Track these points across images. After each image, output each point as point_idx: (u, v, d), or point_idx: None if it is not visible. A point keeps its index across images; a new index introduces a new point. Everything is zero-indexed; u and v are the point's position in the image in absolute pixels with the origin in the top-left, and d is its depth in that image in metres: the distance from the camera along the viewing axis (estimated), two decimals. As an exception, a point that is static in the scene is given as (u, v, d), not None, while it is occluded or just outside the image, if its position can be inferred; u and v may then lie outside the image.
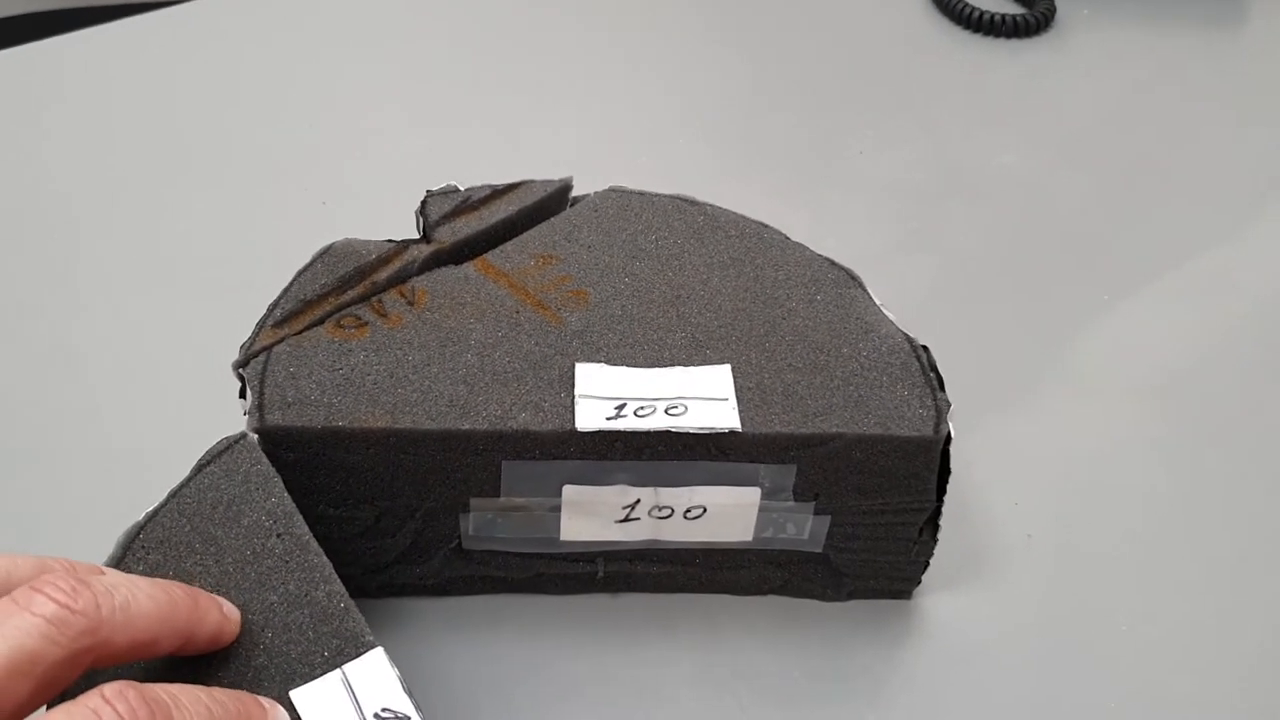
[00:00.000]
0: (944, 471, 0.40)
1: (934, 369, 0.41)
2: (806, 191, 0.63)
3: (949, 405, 0.40)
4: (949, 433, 0.39)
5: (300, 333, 0.41)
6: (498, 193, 0.46)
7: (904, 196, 0.62)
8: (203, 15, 0.73)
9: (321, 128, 0.65)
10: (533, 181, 0.47)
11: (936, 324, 0.53)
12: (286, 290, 0.42)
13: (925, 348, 0.42)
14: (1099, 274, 0.58)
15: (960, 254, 0.59)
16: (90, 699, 0.28)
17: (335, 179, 0.62)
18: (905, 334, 0.42)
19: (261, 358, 0.40)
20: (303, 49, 0.71)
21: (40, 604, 0.28)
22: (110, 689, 0.28)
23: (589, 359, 0.40)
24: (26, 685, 0.28)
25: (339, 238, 0.44)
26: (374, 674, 0.32)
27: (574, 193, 0.47)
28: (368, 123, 0.66)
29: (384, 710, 0.32)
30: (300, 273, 0.43)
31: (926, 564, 0.42)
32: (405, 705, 0.32)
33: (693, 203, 0.47)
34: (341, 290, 0.42)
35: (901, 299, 0.54)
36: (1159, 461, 0.49)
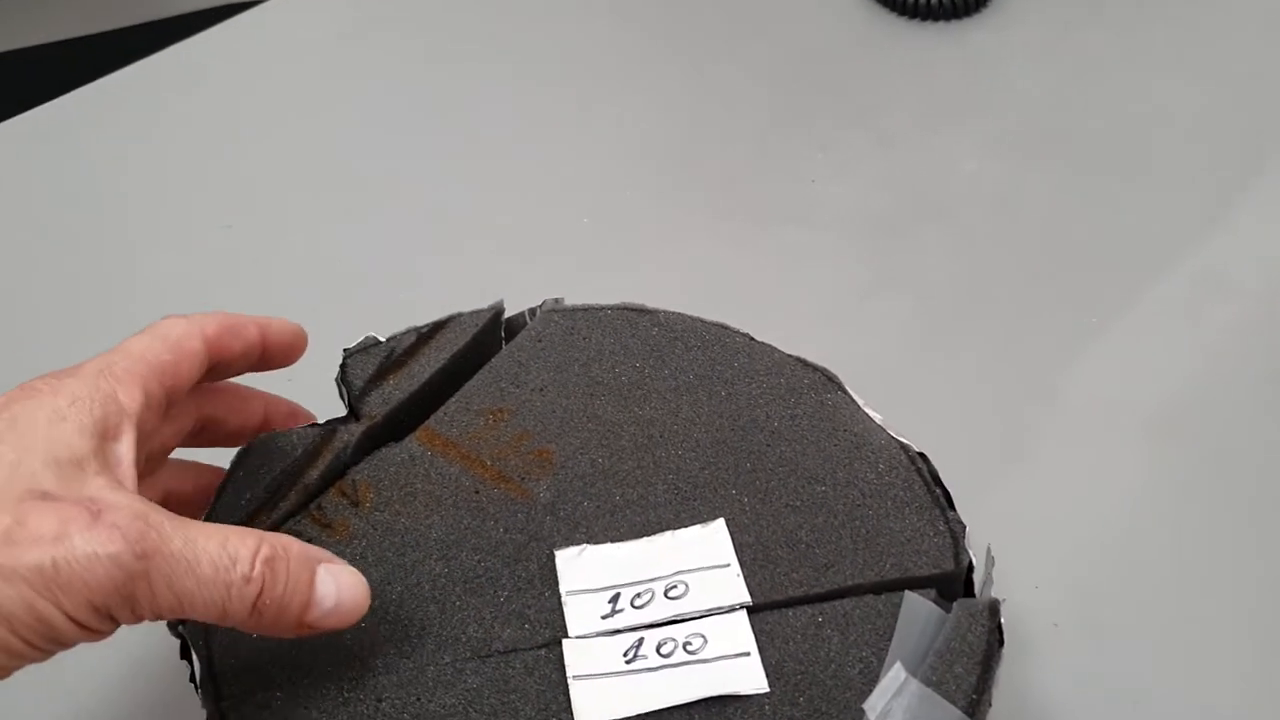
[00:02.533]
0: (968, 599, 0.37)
1: (938, 483, 0.38)
2: (762, 233, 0.58)
3: (964, 528, 0.36)
4: (970, 560, 0.36)
5: None
6: (424, 338, 0.42)
7: (865, 228, 0.58)
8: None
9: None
10: (460, 316, 0.43)
11: (916, 374, 0.50)
12: (211, 513, 0.38)
13: (923, 456, 0.38)
14: (1083, 290, 0.54)
15: (933, 288, 0.55)
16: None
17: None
18: (899, 442, 0.39)
19: None
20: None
21: None
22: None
23: (567, 539, 0.36)
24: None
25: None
26: None
27: (512, 297, 0.43)
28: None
29: None
30: (221, 489, 0.38)
31: None
32: None
33: (643, 311, 0.43)
34: (273, 503, 0.38)
35: (877, 349, 0.51)
36: (1179, 509, 0.45)
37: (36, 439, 0.30)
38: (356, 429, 0.39)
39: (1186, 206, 0.57)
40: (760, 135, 0.63)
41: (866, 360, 0.48)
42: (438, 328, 0.42)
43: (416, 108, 0.66)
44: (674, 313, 0.43)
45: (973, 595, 0.36)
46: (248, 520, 0.37)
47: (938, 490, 0.37)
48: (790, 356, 0.41)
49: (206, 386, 0.38)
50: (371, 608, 0.35)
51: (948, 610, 0.34)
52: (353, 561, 0.36)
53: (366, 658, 0.34)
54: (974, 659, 0.32)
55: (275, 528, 0.37)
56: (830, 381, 0.40)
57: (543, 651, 0.34)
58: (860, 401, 0.40)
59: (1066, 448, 0.47)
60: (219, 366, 0.37)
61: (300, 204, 0.61)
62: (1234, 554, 0.43)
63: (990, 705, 0.32)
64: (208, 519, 0.37)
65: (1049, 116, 0.63)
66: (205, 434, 0.39)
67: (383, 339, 0.41)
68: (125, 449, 0.32)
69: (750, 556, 0.35)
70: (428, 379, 0.41)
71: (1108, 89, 0.64)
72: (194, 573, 0.29)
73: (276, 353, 0.38)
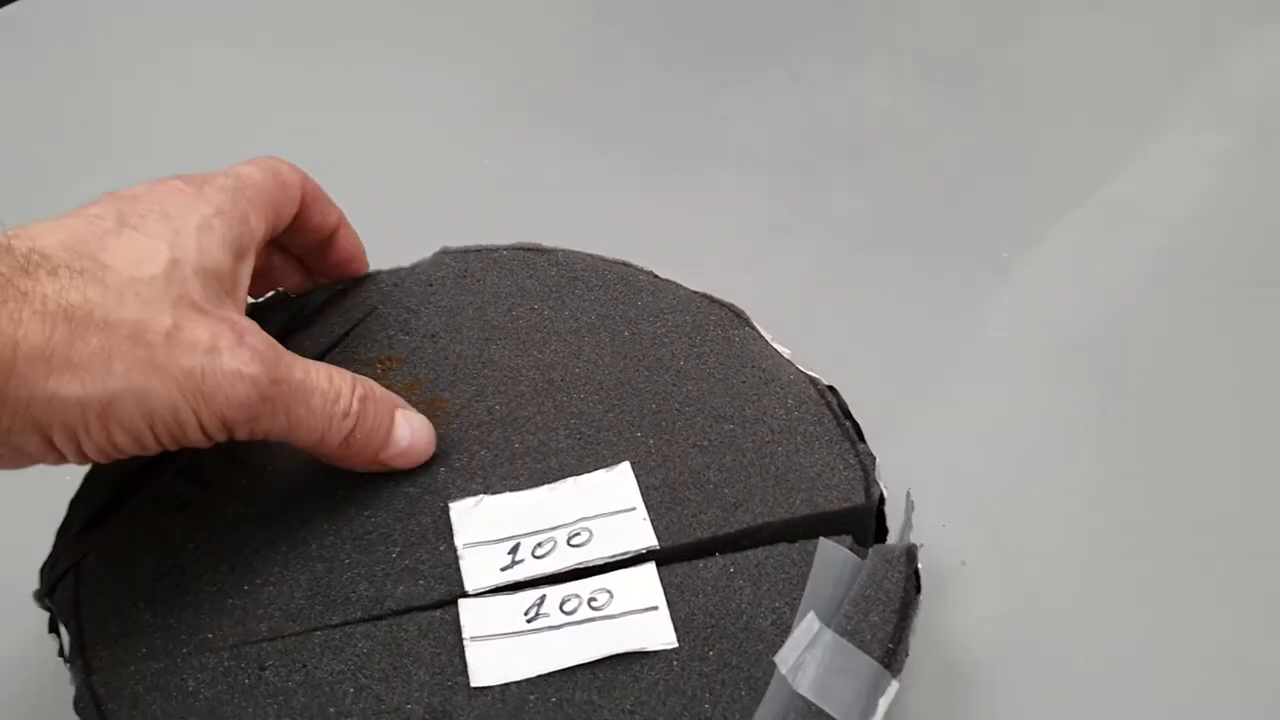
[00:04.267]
0: (880, 532, 0.35)
1: (848, 416, 0.36)
2: (672, 173, 0.55)
3: (874, 460, 0.35)
4: (881, 493, 0.34)
5: (112, 536, 0.33)
6: (336, 296, 0.39)
7: (777, 164, 0.56)
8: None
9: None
10: (378, 274, 0.40)
11: (828, 311, 0.49)
12: (86, 482, 0.35)
13: (833, 389, 0.37)
14: (997, 225, 0.52)
15: (845, 224, 0.53)
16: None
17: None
18: (808, 376, 0.37)
19: (70, 580, 0.33)
20: None
21: None
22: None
23: (463, 490, 0.34)
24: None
25: None
26: None
27: (415, 246, 0.40)
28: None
29: None
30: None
31: None
32: None
33: (540, 251, 0.41)
34: (156, 467, 0.35)
35: (789, 286, 0.49)
36: (1088, 442, 0.44)
37: (189, 243, 0.31)
38: None
39: (1101, 139, 0.56)
40: (670, 71, 0.61)
41: (778, 297, 0.47)
42: (351, 286, 0.39)
43: (303, 55, 0.63)
44: (573, 251, 0.41)
45: (884, 529, 0.35)
46: (133, 482, 0.34)
47: (847, 423, 0.35)
48: (696, 293, 0.39)
49: None
50: (252, 568, 0.32)
51: (863, 557, 0.33)
52: (230, 524, 0.34)
53: (250, 623, 0.32)
54: (890, 607, 0.31)
55: (157, 490, 0.34)
56: (737, 317, 0.39)
57: (438, 612, 0.32)
58: (768, 337, 0.38)
59: (976, 384, 0.46)
60: (291, 232, 0.37)
61: (187, 154, 0.56)
62: (1144, 487, 0.42)
63: (908, 654, 0.30)
64: (90, 471, 0.35)
65: (963, 50, 0.61)
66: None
67: (290, 294, 0.39)
68: (247, 274, 0.33)
69: (657, 499, 0.34)
70: (335, 339, 0.38)
71: (1023, 22, 0.63)
72: (307, 403, 0.31)
73: (341, 252, 0.39)
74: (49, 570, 0.33)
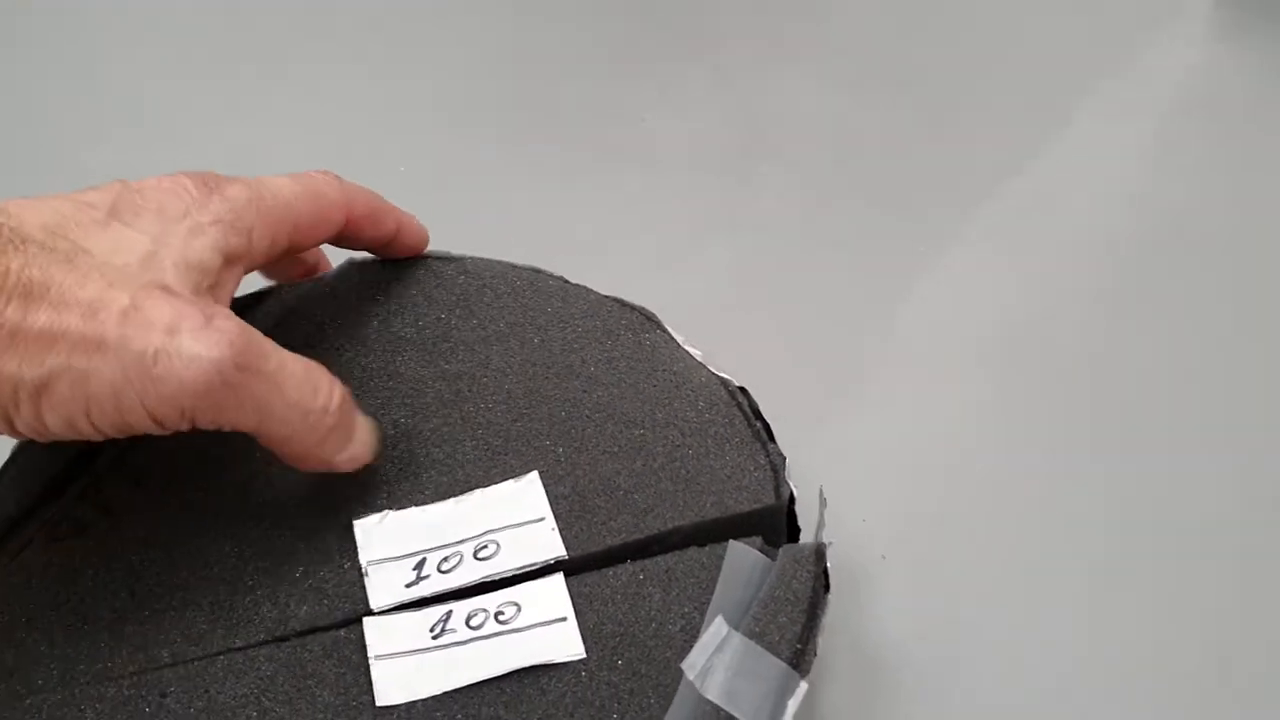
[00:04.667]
0: (792, 531, 0.35)
1: (758, 416, 0.36)
2: (594, 174, 0.55)
3: (784, 460, 0.35)
4: (791, 493, 0.34)
5: (7, 567, 0.33)
6: (239, 311, 0.38)
7: (700, 166, 0.55)
8: None
9: None
10: (280, 289, 0.39)
11: (748, 312, 0.48)
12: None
13: (744, 390, 0.36)
14: (917, 222, 0.52)
15: (768, 226, 0.52)
16: None
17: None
18: (719, 377, 0.37)
19: None
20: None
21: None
22: None
23: (368, 507, 0.34)
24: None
25: None
26: None
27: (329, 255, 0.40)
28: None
29: None
30: (13, 459, 0.35)
31: None
32: None
33: (448, 259, 0.40)
34: (59, 490, 0.34)
35: (711, 290, 0.49)
36: (1008, 434, 0.44)
37: (174, 240, 0.30)
38: None
39: (1015, 133, 0.56)
40: (591, 73, 0.60)
41: (700, 301, 0.47)
42: (255, 300, 0.38)
43: (210, 52, 0.61)
44: (482, 259, 0.40)
45: (796, 528, 0.35)
46: (35, 503, 0.34)
47: (758, 424, 0.35)
48: (607, 298, 0.39)
49: None
50: (153, 594, 0.32)
51: (774, 558, 0.32)
52: (130, 545, 0.33)
53: (151, 650, 0.31)
54: (799, 607, 0.31)
55: (55, 516, 0.34)
56: (649, 320, 0.38)
57: (342, 631, 0.31)
58: (680, 339, 0.38)
59: (898, 380, 0.46)
60: (341, 241, 0.37)
61: (99, 160, 0.56)
62: (1065, 479, 0.42)
63: (816, 654, 0.30)
64: None
65: (879, 48, 0.61)
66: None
67: None
68: (235, 279, 0.32)
69: (567, 508, 0.33)
70: None
71: (938, 19, 0.63)
72: (281, 394, 0.30)
73: (402, 250, 0.39)
74: None
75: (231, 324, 0.29)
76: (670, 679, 0.30)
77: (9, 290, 0.26)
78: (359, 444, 0.32)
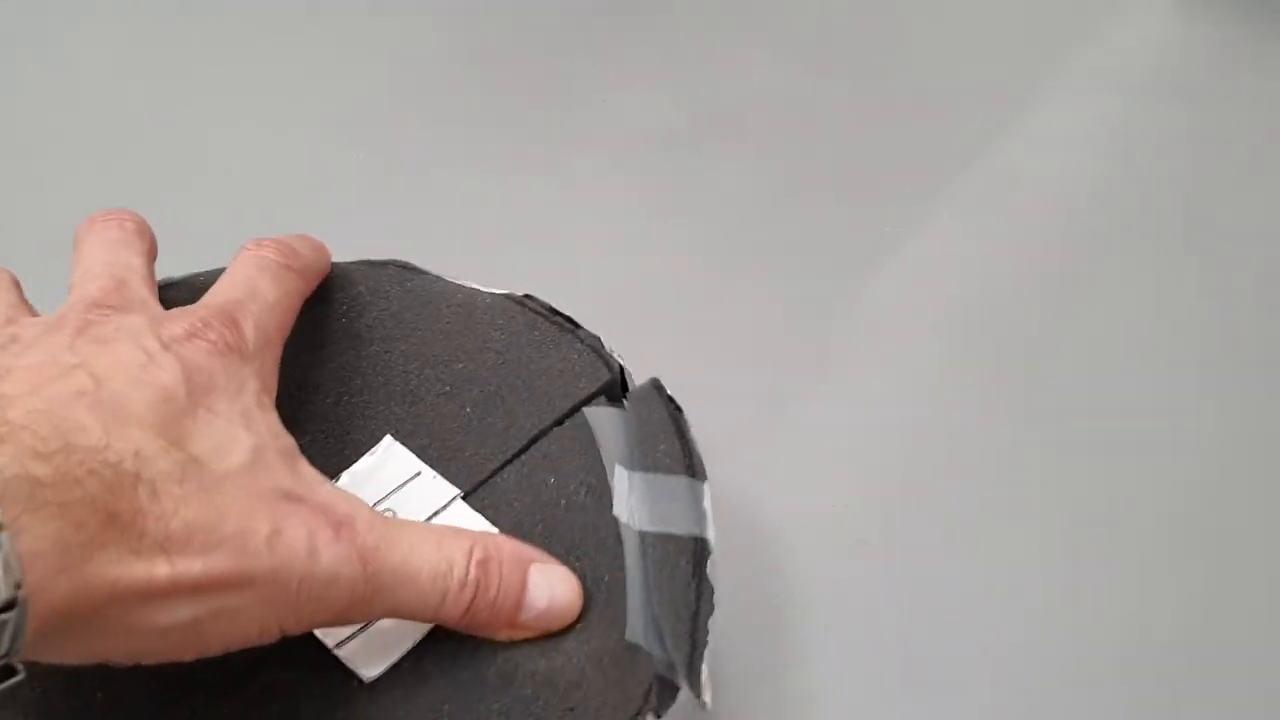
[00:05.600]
0: (625, 391, 0.39)
1: (555, 312, 0.38)
2: (546, 157, 0.54)
3: (599, 338, 0.37)
4: (620, 364, 0.37)
5: None
6: None
7: (654, 146, 0.54)
8: None
9: None
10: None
11: (711, 295, 0.48)
12: None
13: (529, 295, 0.39)
14: (880, 200, 0.52)
15: (727, 205, 0.52)
16: None
17: None
18: (501, 294, 0.39)
19: None
20: None
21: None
22: None
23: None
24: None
25: None
26: None
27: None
28: None
29: None
30: None
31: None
32: None
33: (171, 284, 0.39)
34: None
35: (669, 271, 0.49)
36: (979, 411, 0.44)
37: (259, 425, 0.29)
38: None
39: (979, 107, 0.56)
40: (542, 54, 0.59)
41: (658, 282, 0.47)
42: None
43: (162, 46, 0.59)
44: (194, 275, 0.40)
45: (627, 386, 0.39)
46: None
47: (559, 318, 0.38)
48: (355, 263, 0.40)
49: None
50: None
51: (623, 408, 0.36)
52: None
53: None
54: (667, 430, 0.35)
55: None
56: (406, 269, 0.40)
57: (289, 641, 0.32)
58: (445, 274, 0.40)
59: (864, 362, 0.46)
60: None
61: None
62: (1039, 455, 0.43)
63: (702, 459, 0.34)
64: None
65: (843, 22, 0.61)
66: None
67: None
68: None
69: (434, 456, 0.35)
70: None
71: None
72: (414, 585, 0.29)
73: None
74: None
75: (360, 523, 0.28)
76: (601, 534, 0.33)
77: (151, 547, 0.25)
78: (542, 601, 0.31)
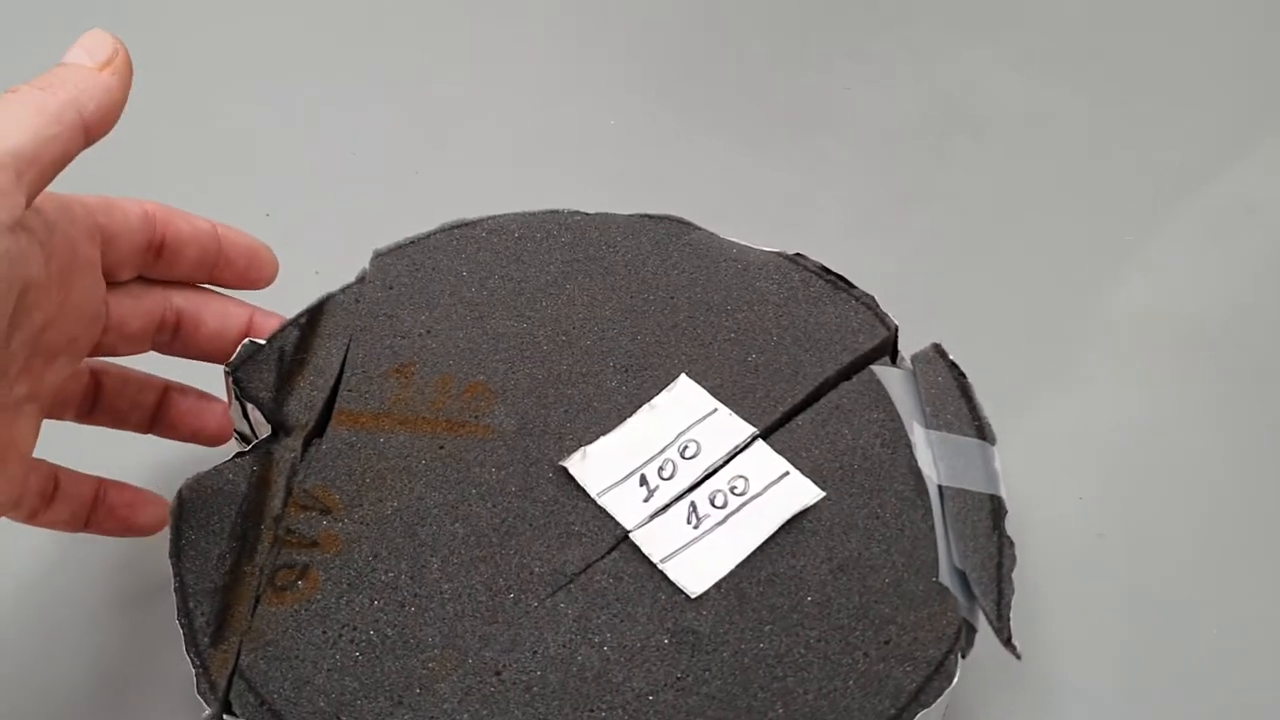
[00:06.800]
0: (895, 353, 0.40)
1: (828, 271, 0.41)
2: (789, 142, 0.56)
3: (873, 297, 0.39)
4: (894, 323, 0.39)
5: (250, 631, 0.32)
6: (307, 329, 0.38)
7: (896, 138, 0.56)
8: None
9: None
10: (333, 296, 0.39)
11: (949, 290, 0.50)
12: (180, 577, 0.33)
13: (799, 254, 0.41)
14: (1117, 207, 0.53)
15: (966, 201, 0.53)
16: None
17: None
18: (772, 252, 0.41)
19: (240, 686, 0.31)
20: None
21: None
22: None
23: (561, 450, 0.36)
24: None
25: None
26: None
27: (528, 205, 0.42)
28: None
29: None
30: (177, 547, 0.33)
31: None
32: None
33: (467, 224, 0.41)
34: (251, 549, 0.33)
35: (909, 263, 0.50)
36: (1220, 424, 0.45)
37: None
38: (295, 441, 0.35)
39: (1219, 129, 0.57)
40: (787, 43, 0.61)
41: (899, 274, 0.48)
42: (315, 314, 0.38)
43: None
44: (499, 216, 0.42)
45: (898, 349, 0.40)
46: (232, 577, 0.32)
47: (832, 276, 0.40)
48: (633, 216, 0.42)
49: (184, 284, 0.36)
50: (420, 598, 0.32)
51: (899, 368, 0.38)
52: (367, 568, 0.33)
53: (458, 641, 0.31)
54: (955, 394, 0.37)
55: (263, 573, 0.33)
56: (683, 224, 0.42)
57: (615, 555, 0.33)
58: (717, 231, 0.42)
59: (1103, 362, 0.48)
60: (169, 253, 0.35)
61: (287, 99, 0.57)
62: (1264, 469, 0.44)
63: (989, 422, 0.36)
64: (178, 586, 0.32)
65: (1083, 33, 0.63)
66: (180, 337, 0.36)
67: (261, 341, 0.37)
68: None
69: (726, 396, 0.37)
70: (338, 373, 0.37)
71: (1144, 7, 0.64)
72: None
73: (237, 261, 0.37)
74: (206, 690, 0.31)
75: None
76: (900, 484, 0.35)
77: None
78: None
